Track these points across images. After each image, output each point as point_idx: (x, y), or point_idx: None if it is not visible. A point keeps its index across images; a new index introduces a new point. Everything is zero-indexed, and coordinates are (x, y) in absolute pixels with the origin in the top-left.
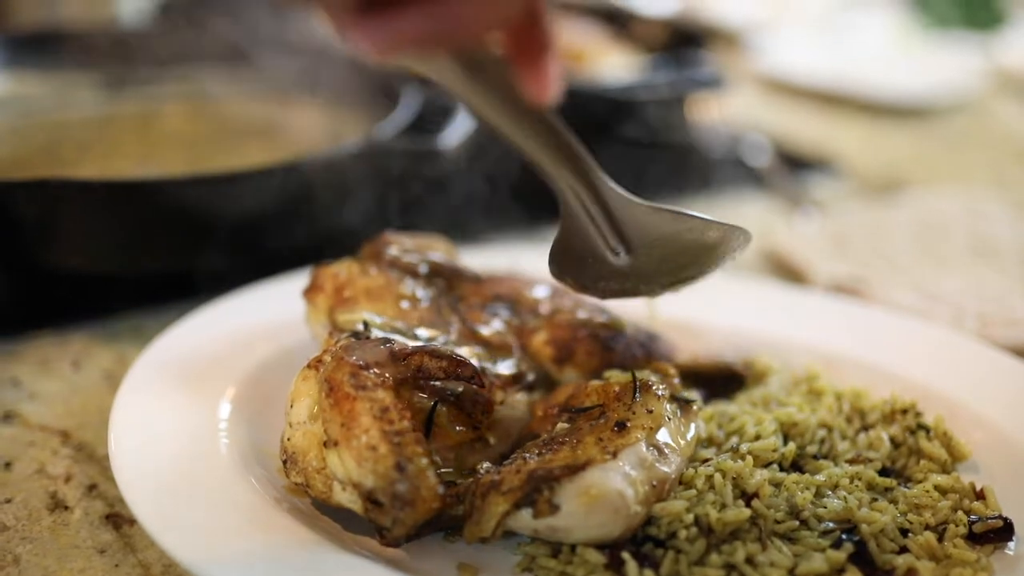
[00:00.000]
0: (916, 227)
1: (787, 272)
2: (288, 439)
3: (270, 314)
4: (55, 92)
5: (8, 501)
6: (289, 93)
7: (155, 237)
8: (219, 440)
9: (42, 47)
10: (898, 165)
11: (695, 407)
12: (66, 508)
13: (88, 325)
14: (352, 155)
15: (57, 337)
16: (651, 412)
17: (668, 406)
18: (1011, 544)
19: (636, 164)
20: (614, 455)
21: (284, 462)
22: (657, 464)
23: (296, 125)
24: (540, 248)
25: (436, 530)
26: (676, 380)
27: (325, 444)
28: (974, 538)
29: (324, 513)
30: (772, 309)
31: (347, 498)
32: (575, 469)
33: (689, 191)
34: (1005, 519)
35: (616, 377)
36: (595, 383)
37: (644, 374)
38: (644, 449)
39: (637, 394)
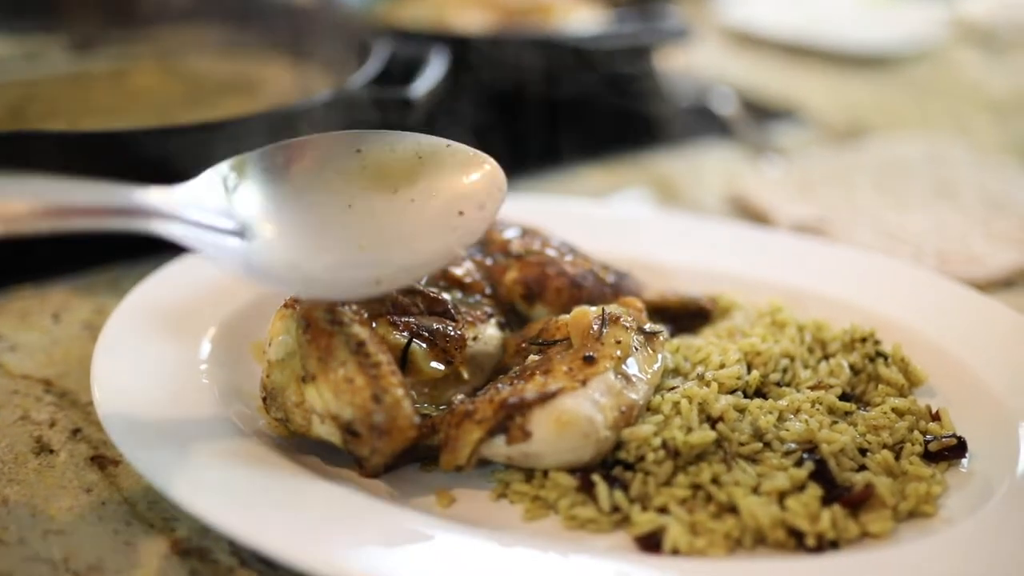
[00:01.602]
0: (878, 172)
1: (752, 214)
2: (267, 376)
3: None
4: (23, 53)
5: None
6: (259, 51)
7: None
8: (199, 381)
9: (9, 8)
10: (861, 114)
11: (661, 338)
12: (51, 451)
13: (67, 279)
14: (324, 105)
15: (36, 291)
16: (619, 343)
17: (635, 337)
18: (964, 461)
19: (604, 114)
20: (583, 383)
21: (264, 399)
22: (625, 391)
23: (268, 82)
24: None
25: (413, 460)
26: (643, 313)
27: (303, 379)
28: (929, 456)
29: (304, 448)
30: (737, 248)
31: (326, 431)
32: (546, 397)
33: (656, 140)
34: (959, 438)
35: (584, 311)
36: (564, 317)
37: (612, 308)
38: (612, 377)
39: (605, 326)
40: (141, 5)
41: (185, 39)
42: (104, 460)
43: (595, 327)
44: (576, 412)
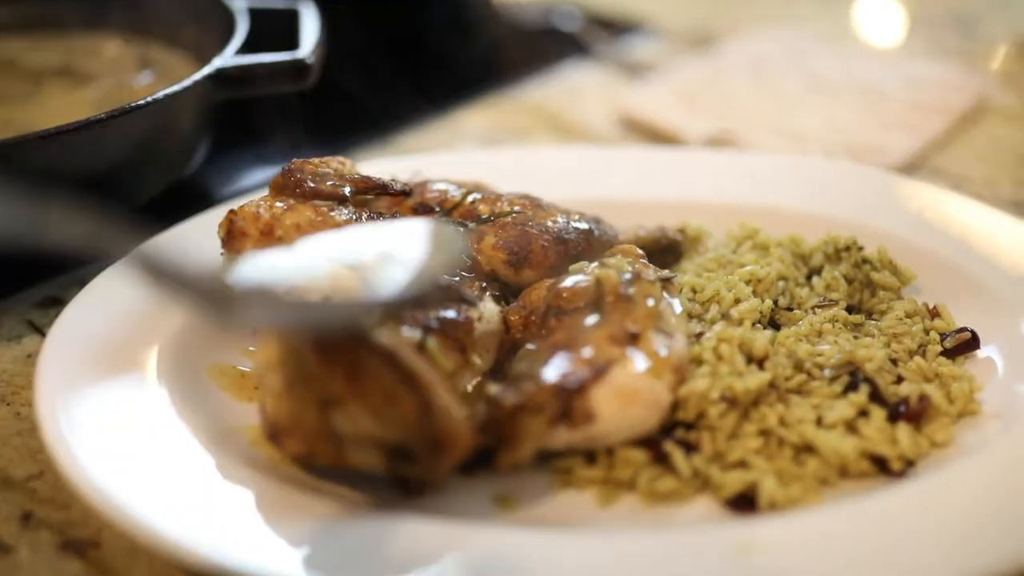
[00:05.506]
0: (750, 74)
1: (655, 136)
2: (274, 409)
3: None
4: None
5: None
6: (78, 26)
7: None
8: (181, 428)
9: None
10: (697, 13)
11: (676, 282)
12: (7, 549)
13: None
14: (208, 80)
15: None
16: (651, 298)
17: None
18: (978, 352)
19: (453, 50)
20: (632, 348)
21: (271, 435)
22: (671, 348)
23: (97, 59)
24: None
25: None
26: (645, 260)
27: (325, 404)
28: (947, 354)
29: (321, 477)
30: (670, 173)
31: (365, 457)
32: (601, 372)
33: (518, 70)
34: (971, 331)
35: (608, 273)
36: (578, 280)
37: (616, 260)
38: (656, 336)
39: (632, 284)
40: None
41: None
42: (80, 544)
43: (623, 287)
44: (637, 383)
